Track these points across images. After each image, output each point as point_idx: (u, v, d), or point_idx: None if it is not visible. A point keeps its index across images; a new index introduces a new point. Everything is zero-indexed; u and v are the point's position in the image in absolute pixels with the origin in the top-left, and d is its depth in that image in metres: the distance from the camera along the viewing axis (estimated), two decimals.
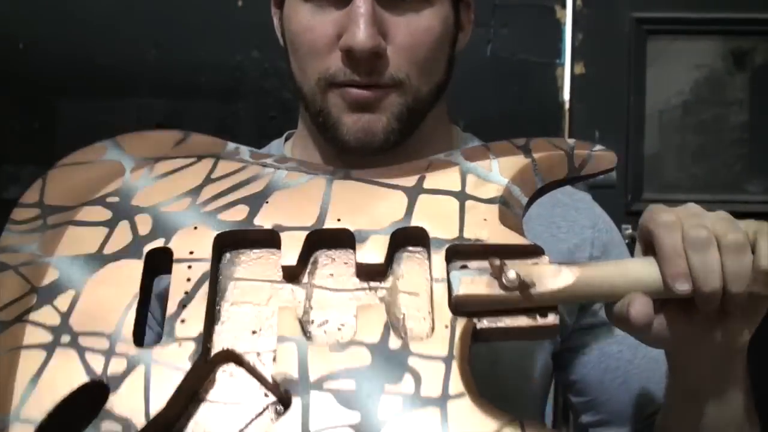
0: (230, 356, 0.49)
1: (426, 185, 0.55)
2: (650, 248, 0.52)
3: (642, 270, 0.50)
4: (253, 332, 0.50)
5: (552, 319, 0.49)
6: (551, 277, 0.49)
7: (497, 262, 0.48)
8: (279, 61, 1.24)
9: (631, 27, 1.62)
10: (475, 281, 0.49)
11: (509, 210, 0.53)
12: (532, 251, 0.51)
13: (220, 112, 1.65)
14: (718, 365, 0.55)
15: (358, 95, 0.62)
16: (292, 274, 0.52)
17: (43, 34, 1.69)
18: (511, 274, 0.48)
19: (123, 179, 0.56)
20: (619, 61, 1.63)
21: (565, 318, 0.70)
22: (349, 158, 0.65)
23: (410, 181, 0.55)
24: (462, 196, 0.54)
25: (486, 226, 0.52)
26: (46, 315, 0.50)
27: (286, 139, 0.78)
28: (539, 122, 1.60)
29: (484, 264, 0.50)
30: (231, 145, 0.58)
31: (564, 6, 1.62)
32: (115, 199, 0.55)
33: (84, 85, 1.68)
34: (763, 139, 1.67)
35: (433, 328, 0.49)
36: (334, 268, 0.52)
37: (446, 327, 0.48)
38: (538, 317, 0.50)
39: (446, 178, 0.55)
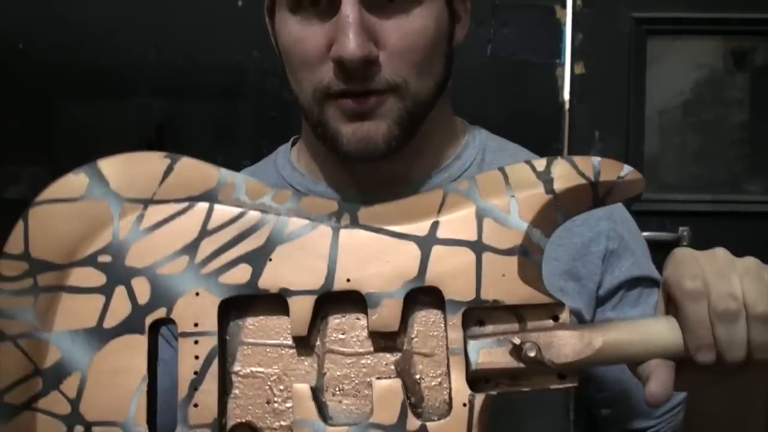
0: (247, 430, 0.49)
1: (440, 234, 0.51)
2: (672, 304, 0.50)
3: (665, 335, 0.49)
4: (267, 402, 0.50)
5: (569, 383, 0.49)
6: (572, 347, 0.48)
7: (516, 341, 0.48)
8: None
9: (631, 27, 1.62)
10: (492, 353, 0.49)
11: (528, 259, 0.51)
12: (554, 306, 0.50)
13: (220, 112, 1.65)
14: (739, 403, 0.54)
15: (354, 106, 0.61)
16: (302, 341, 0.50)
17: (43, 34, 1.68)
18: (531, 352, 0.47)
19: (112, 231, 0.52)
20: (619, 61, 1.62)
21: (583, 314, 0.70)
22: (352, 165, 0.66)
23: (422, 228, 0.51)
24: (479, 248, 0.50)
25: (504, 284, 0.50)
26: (56, 403, 0.49)
27: (293, 144, 0.77)
28: (539, 122, 1.60)
29: (501, 326, 0.49)
30: (224, 176, 0.53)
31: (564, 6, 1.62)
32: (107, 258, 0.51)
33: (84, 85, 1.68)
34: (763, 139, 1.67)
35: (450, 402, 0.48)
36: (344, 330, 0.51)
37: (464, 405, 0.48)
38: (554, 381, 0.49)
39: (461, 225, 0.51)
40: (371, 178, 0.67)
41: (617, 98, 1.63)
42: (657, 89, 1.65)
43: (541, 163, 0.53)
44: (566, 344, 0.48)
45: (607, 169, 0.52)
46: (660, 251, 1.77)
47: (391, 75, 0.61)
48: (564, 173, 0.52)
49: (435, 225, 0.51)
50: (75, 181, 0.53)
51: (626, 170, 0.53)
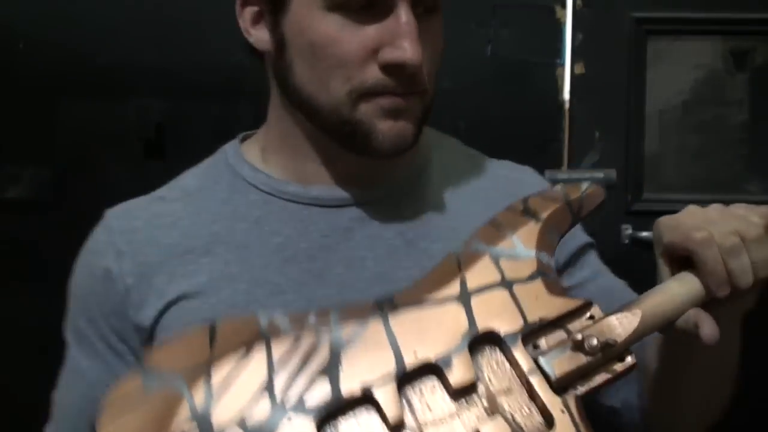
0: None
1: (470, 286, 0.56)
2: (684, 261, 0.58)
3: (686, 290, 0.57)
4: None
5: (630, 360, 0.54)
6: (619, 327, 0.54)
7: (579, 337, 0.53)
8: None
9: (631, 27, 1.62)
10: (562, 360, 0.53)
11: (548, 278, 0.57)
12: (584, 307, 0.56)
13: (220, 112, 1.65)
14: (732, 327, 0.63)
15: (395, 103, 0.62)
16: (398, 426, 0.52)
17: (43, 34, 1.68)
18: (593, 341, 0.52)
19: (188, 405, 0.51)
20: (619, 61, 1.63)
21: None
22: (350, 163, 0.66)
23: (454, 288, 0.56)
24: (507, 284, 0.56)
25: (541, 304, 0.55)
26: None
27: (242, 141, 0.76)
28: (539, 122, 1.60)
29: (554, 337, 0.54)
30: (263, 317, 0.56)
31: (564, 6, 1.62)
32: (194, 427, 0.51)
33: (84, 85, 1.68)
34: (763, 139, 1.67)
35: (549, 419, 0.51)
36: (427, 400, 0.53)
37: (563, 412, 0.51)
38: (618, 364, 0.54)
39: (484, 272, 0.57)
40: (360, 175, 0.68)
41: (617, 98, 1.63)
42: (657, 89, 1.65)
43: (518, 204, 0.61)
44: (615, 326, 0.54)
45: (571, 190, 0.62)
46: None
47: (424, 79, 0.63)
48: (541, 204, 0.61)
49: (463, 281, 0.57)
50: (128, 383, 0.53)
51: (585, 185, 0.62)
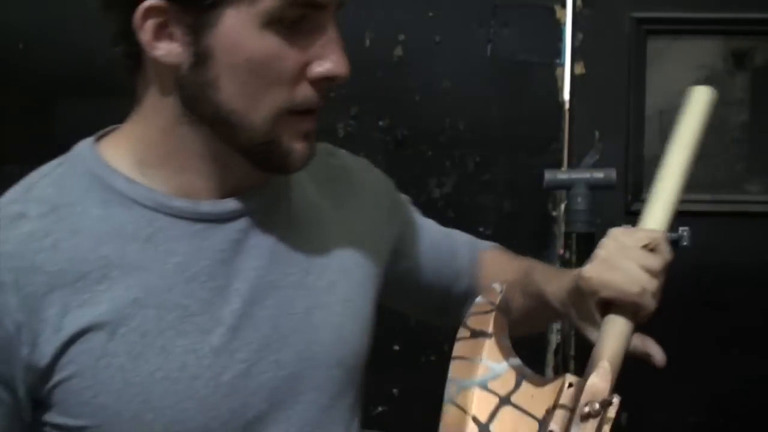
0: None
1: (483, 419, 0.64)
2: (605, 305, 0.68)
3: (625, 328, 0.68)
4: None
5: (616, 400, 0.62)
6: (601, 383, 0.64)
7: (587, 409, 0.61)
8: None
9: (631, 27, 1.62)
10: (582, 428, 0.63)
11: (528, 376, 0.66)
12: (564, 377, 0.64)
13: None
14: None
15: (311, 126, 0.64)
16: None
17: (43, 34, 1.69)
18: (595, 406, 0.61)
19: None
20: (619, 61, 1.63)
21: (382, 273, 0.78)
22: (239, 176, 0.65)
23: (472, 429, 0.64)
24: (506, 401, 0.64)
25: (538, 400, 0.64)
26: None
27: (96, 140, 0.73)
28: (539, 122, 1.60)
29: (558, 418, 0.63)
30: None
31: (564, 6, 1.62)
32: None
33: (84, 85, 1.68)
34: (763, 139, 1.67)
35: None
36: None
37: None
38: (611, 409, 0.62)
39: (485, 402, 0.65)
40: (243, 186, 0.67)
41: (617, 98, 1.63)
42: (657, 89, 1.65)
43: (465, 332, 0.69)
44: (597, 383, 0.63)
45: (491, 295, 0.70)
46: None
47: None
48: (482, 320, 0.69)
49: (476, 419, 0.64)
50: None
51: (497, 287, 0.71)
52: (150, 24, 0.61)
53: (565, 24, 1.62)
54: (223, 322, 0.62)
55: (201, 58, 0.60)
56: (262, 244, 0.66)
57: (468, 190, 1.60)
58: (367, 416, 0.86)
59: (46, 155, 1.83)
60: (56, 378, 0.59)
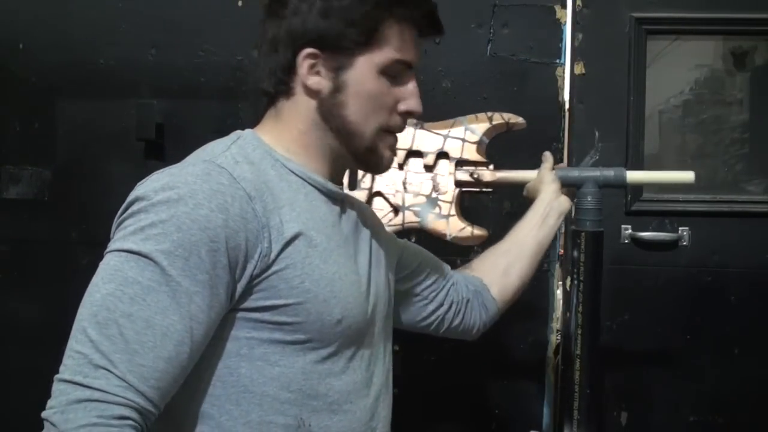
0: None
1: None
2: None
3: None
4: None
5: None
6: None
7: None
8: None
9: (631, 27, 1.62)
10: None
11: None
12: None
13: (220, 112, 1.66)
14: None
15: (395, 142, 0.98)
16: None
17: (43, 34, 1.69)
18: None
19: None
20: (619, 61, 1.63)
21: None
22: (340, 171, 0.99)
23: None
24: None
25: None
26: None
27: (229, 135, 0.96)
28: (539, 122, 1.60)
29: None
30: None
31: (564, 6, 1.62)
32: None
33: (84, 85, 1.68)
34: (763, 139, 1.67)
35: None
36: None
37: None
38: None
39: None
40: (339, 179, 1.00)
41: (617, 98, 1.63)
42: (657, 89, 1.65)
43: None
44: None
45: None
46: (660, 251, 1.78)
47: None
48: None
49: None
50: None
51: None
52: (306, 63, 0.91)
53: (565, 24, 1.62)
54: (355, 256, 0.96)
55: (339, 87, 0.91)
56: (355, 222, 1.00)
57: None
58: None
59: (46, 155, 1.83)
60: (276, 267, 0.83)
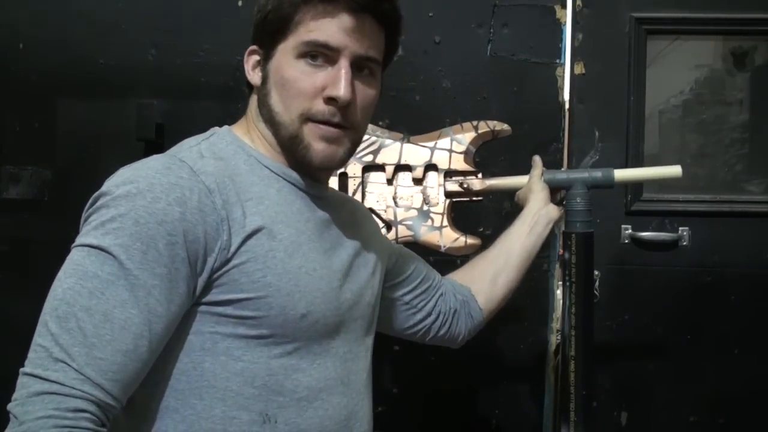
0: None
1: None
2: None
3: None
4: None
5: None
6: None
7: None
8: None
9: (631, 27, 1.62)
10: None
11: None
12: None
13: (220, 112, 1.65)
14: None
15: (327, 131, 0.90)
16: None
17: (43, 34, 1.69)
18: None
19: None
20: (619, 61, 1.63)
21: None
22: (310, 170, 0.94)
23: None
24: None
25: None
26: None
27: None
28: (539, 122, 1.60)
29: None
30: None
31: (564, 6, 1.62)
32: None
33: (84, 85, 1.68)
34: (763, 139, 1.67)
35: None
36: None
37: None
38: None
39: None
40: (321, 179, 1.00)
41: (617, 98, 1.63)
42: (657, 89, 1.65)
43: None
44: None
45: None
46: (660, 251, 1.78)
47: (353, 119, 0.92)
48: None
49: None
50: None
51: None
52: (250, 60, 0.96)
53: (565, 24, 1.62)
54: (332, 252, 0.94)
55: (265, 78, 0.93)
56: (335, 221, 0.98)
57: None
58: None
59: (46, 155, 1.82)
60: (236, 261, 0.83)
